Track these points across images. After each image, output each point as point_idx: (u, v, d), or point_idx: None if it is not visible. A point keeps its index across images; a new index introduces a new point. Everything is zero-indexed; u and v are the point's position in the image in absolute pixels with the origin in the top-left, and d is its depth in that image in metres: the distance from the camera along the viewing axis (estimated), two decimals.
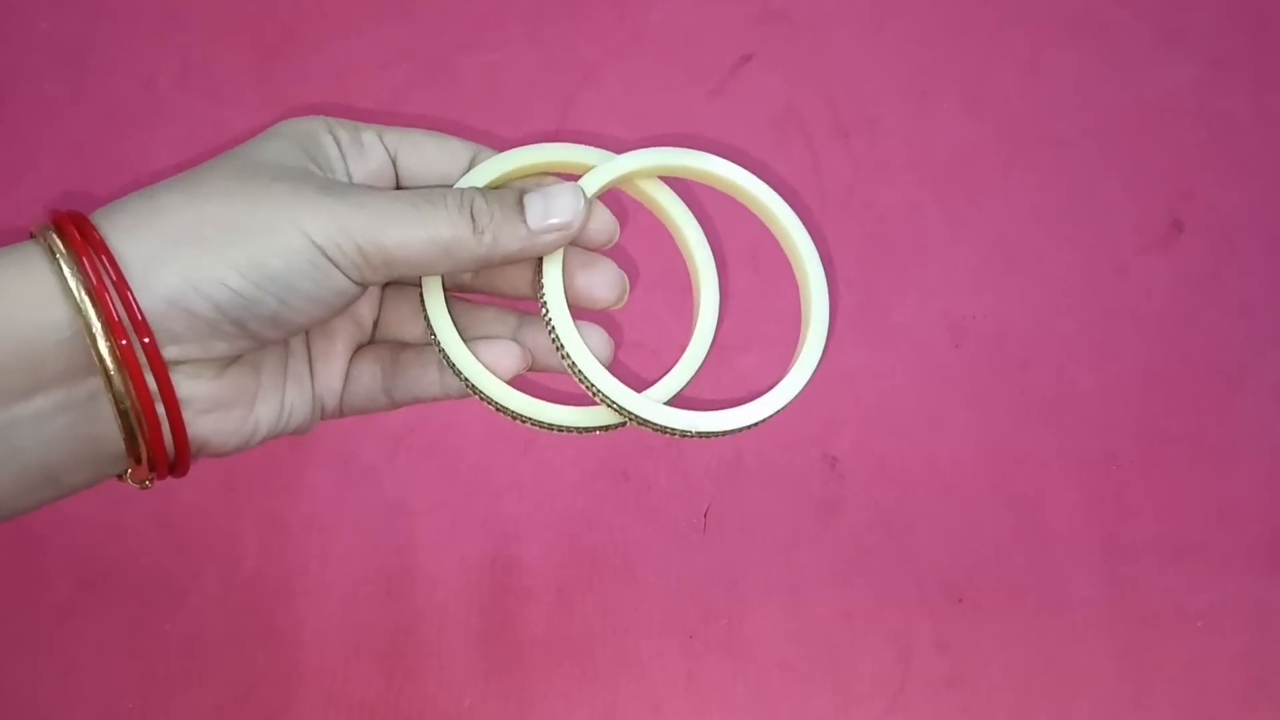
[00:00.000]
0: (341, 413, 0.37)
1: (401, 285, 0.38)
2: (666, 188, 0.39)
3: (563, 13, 0.68)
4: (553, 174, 0.38)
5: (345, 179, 0.35)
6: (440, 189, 0.35)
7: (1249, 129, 0.64)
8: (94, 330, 0.30)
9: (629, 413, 0.36)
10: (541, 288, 0.36)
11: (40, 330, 0.30)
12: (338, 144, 0.35)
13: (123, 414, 0.32)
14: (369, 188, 0.35)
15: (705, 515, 0.52)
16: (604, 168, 0.37)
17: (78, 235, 0.30)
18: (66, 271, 0.30)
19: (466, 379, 0.36)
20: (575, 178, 0.37)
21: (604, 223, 0.36)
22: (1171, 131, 0.64)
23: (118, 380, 0.31)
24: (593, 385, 0.35)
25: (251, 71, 0.65)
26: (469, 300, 0.38)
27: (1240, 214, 0.62)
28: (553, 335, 0.35)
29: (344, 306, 0.34)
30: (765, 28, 0.67)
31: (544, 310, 0.36)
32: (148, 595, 0.51)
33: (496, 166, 0.37)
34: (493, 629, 0.50)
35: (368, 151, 0.36)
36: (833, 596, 0.51)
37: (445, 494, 0.52)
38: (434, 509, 0.53)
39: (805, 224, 0.43)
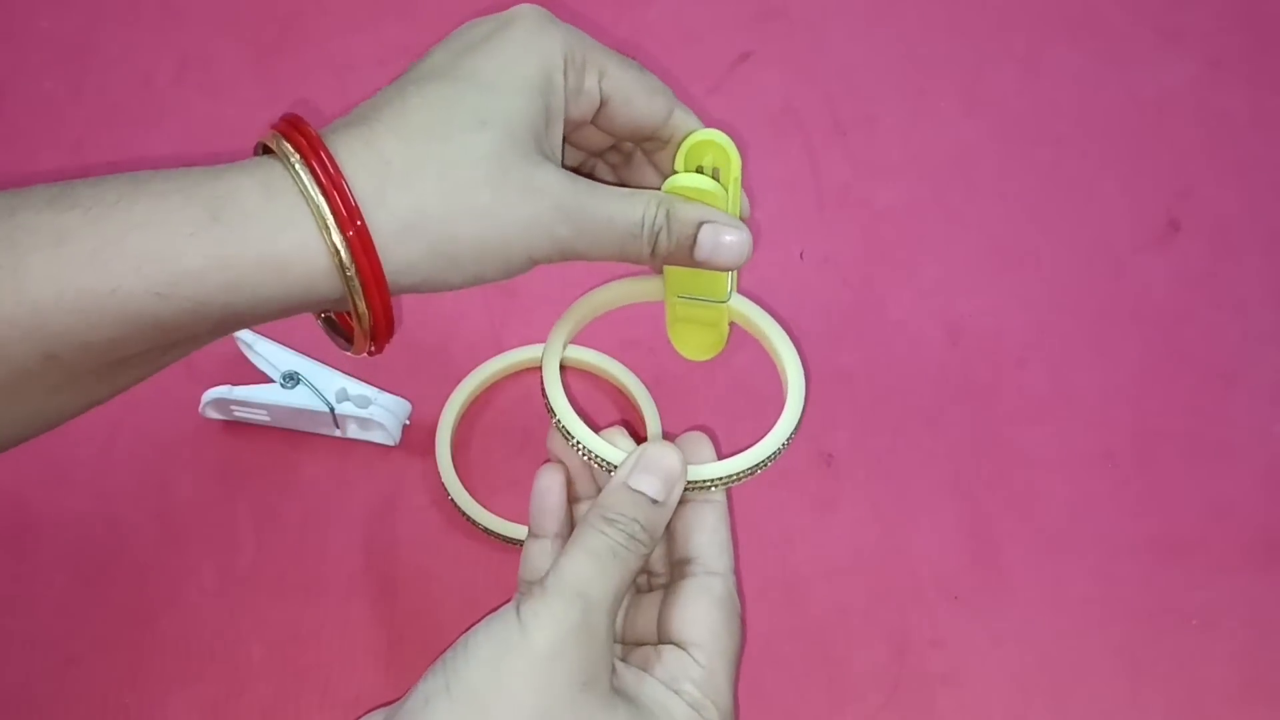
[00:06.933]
0: None
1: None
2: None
3: (561, 10, 0.68)
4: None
5: (560, 124, 0.39)
6: (640, 208, 0.39)
7: (1247, 128, 0.64)
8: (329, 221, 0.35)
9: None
10: (551, 411, 0.41)
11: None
12: (565, 90, 0.39)
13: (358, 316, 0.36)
14: (591, 191, 0.39)
15: None
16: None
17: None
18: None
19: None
20: None
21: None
22: (1169, 131, 0.64)
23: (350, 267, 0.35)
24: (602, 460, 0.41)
25: (250, 68, 0.65)
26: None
27: (1238, 213, 0.62)
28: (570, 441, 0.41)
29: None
30: (764, 26, 0.67)
31: (555, 420, 0.41)
32: (144, 590, 0.51)
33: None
34: None
35: (585, 99, 0.40)
36: (828, 593, 0.51)
37: (442, 491, 0.52)
38: (430, 505, 0.53)
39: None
